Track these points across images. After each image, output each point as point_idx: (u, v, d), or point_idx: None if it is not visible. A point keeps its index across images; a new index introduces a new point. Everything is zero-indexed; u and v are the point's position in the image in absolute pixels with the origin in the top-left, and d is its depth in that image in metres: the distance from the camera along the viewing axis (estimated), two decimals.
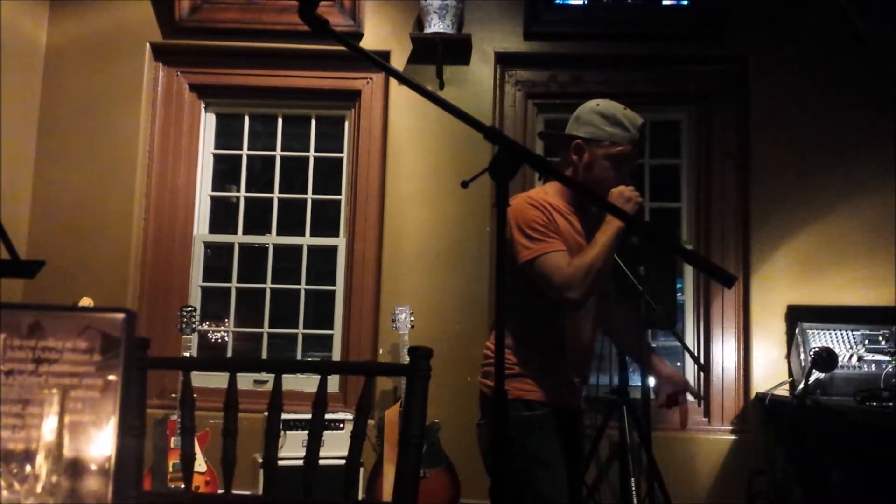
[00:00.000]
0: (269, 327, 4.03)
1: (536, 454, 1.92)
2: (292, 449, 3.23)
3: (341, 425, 3.43)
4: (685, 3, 4.00)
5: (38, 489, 0.78)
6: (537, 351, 2.03)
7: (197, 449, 3.23)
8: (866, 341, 3.20)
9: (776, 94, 3.76)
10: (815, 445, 3.13)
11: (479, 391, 2.13)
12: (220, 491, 1.76)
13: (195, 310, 3.49)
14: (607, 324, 2.34)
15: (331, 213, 4.11)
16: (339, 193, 4.04)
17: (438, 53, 3.73)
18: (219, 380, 3.22)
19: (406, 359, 2.74)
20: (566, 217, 2.04)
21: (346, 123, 4.09)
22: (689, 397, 2.20)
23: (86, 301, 3.36)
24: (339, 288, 3.94)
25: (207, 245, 4.10)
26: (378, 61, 1.24)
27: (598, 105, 2.08)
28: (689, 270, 3.89)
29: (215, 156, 4.17)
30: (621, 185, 2.02)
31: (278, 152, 4.15)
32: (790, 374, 3.50)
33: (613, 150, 2.03)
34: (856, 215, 3.65)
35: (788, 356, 3.52)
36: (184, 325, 3.42)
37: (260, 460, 2.79)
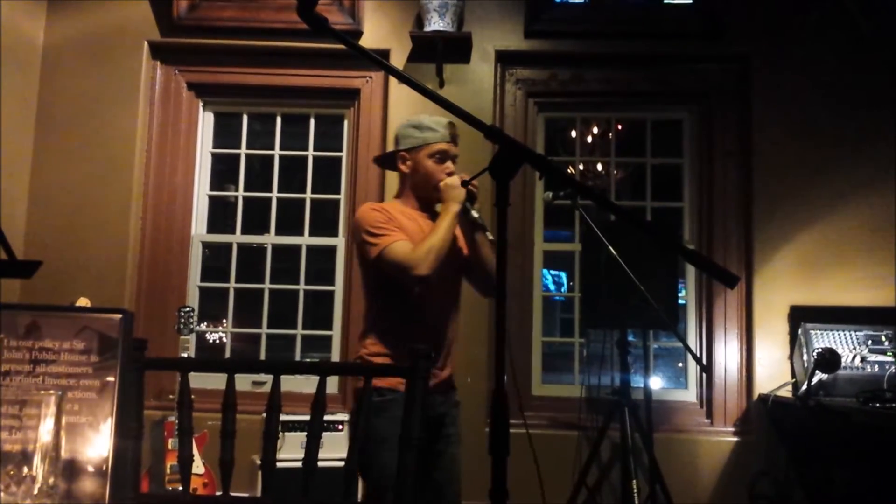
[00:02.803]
0: (268, 328, 4.01)
1: (380, 433, 2.07)
2: (291, 450, 3.20)
3: (340, 427, 3.42)
4: (686, 1, 3.99)
5: (36, 491, 0.77)
6: (391, 341, 2.25)
7: (195, 450, 3.21)
8: (869, 342, 3.19)
9: (778, 93, 3.75)
10: (818, 446, 3.12)
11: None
12: (219, 493, 1.74)
13: (193, 310, 3.47)
14: (476, 280, 2.49)
15: (330, 213, 4.10)
16: (339, 193, 4.02)
17: (438, 52, 3.72)
18: (217, 381, 3.18)
19: None
20: (413, 219, 2.31)
21: (346, 122, 4.07)
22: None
23: (83, 301, 3.33)
24: (339, 288, 3.92)
25: (205, 245, 4.08)
26: (377, 60, 1.23)
27: (407, 121, 2.43)
28: (691, 271, 3.87)
29: (213, 155, 4.15)
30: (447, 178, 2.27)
31: (277, 151, 4.13)
32: (793, 374, 3.48)
33: (433, 148, 2.35)
34: (858, 215, 3.64)
35: (791, 357, 3.51)
36: (182, 326, 3.40)
37: (258, 462, 2.77)
